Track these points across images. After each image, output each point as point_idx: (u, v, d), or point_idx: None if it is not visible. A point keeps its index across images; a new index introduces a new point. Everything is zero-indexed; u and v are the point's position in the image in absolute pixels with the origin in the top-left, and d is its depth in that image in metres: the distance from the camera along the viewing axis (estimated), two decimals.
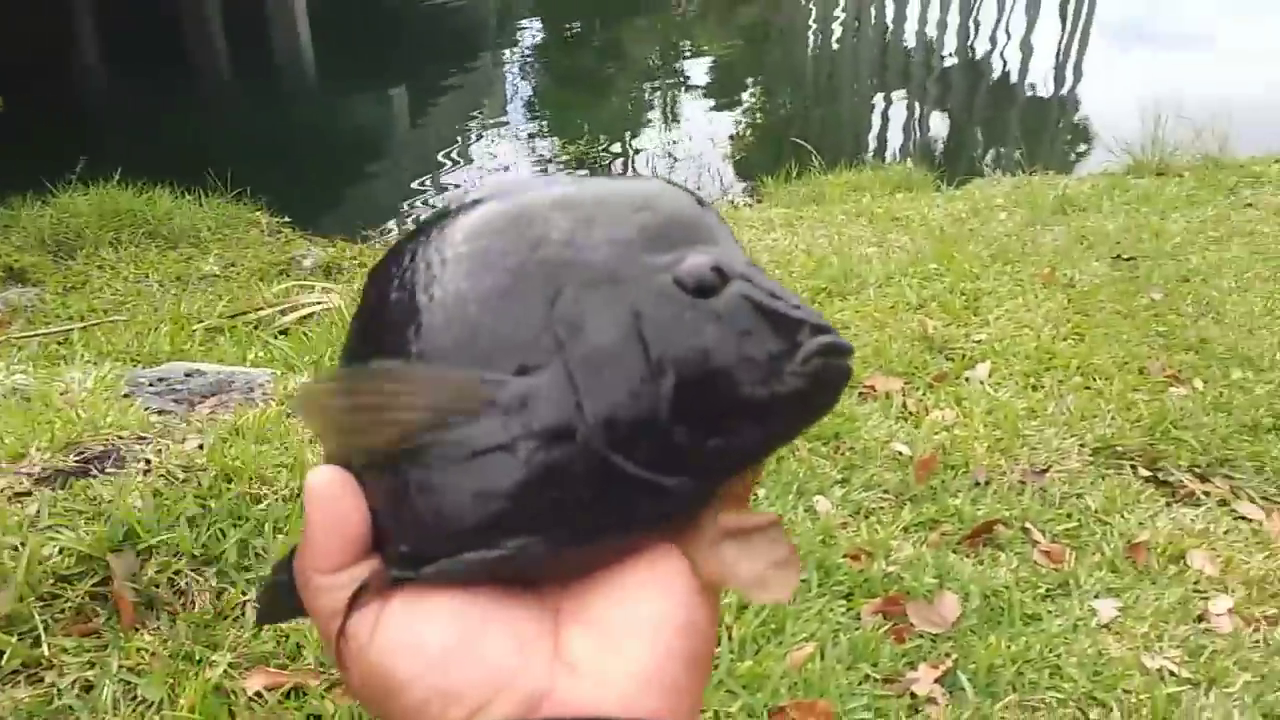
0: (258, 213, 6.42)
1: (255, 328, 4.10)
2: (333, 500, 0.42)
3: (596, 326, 0.42)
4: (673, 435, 0.41)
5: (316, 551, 0.42)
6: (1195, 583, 2.35)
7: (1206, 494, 2.67)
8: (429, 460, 0.41)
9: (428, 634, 0.39)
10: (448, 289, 0.44)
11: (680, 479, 0.42)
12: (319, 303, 4.39)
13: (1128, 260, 4.13)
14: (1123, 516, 2.53)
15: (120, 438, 2.16)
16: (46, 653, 1.69)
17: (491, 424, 0.41)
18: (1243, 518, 2.61)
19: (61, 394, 2.37)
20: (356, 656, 0.41)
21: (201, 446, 2.17)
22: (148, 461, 2.08)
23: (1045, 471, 2.68)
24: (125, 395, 2.47)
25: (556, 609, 0.42)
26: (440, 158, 9.30)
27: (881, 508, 2.48)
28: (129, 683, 1.69)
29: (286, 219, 6.48)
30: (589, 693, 0.38)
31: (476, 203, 0.47)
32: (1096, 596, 2.27)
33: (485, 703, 0.38)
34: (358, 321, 0.49)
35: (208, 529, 1.93)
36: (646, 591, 0.41)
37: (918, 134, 10.95)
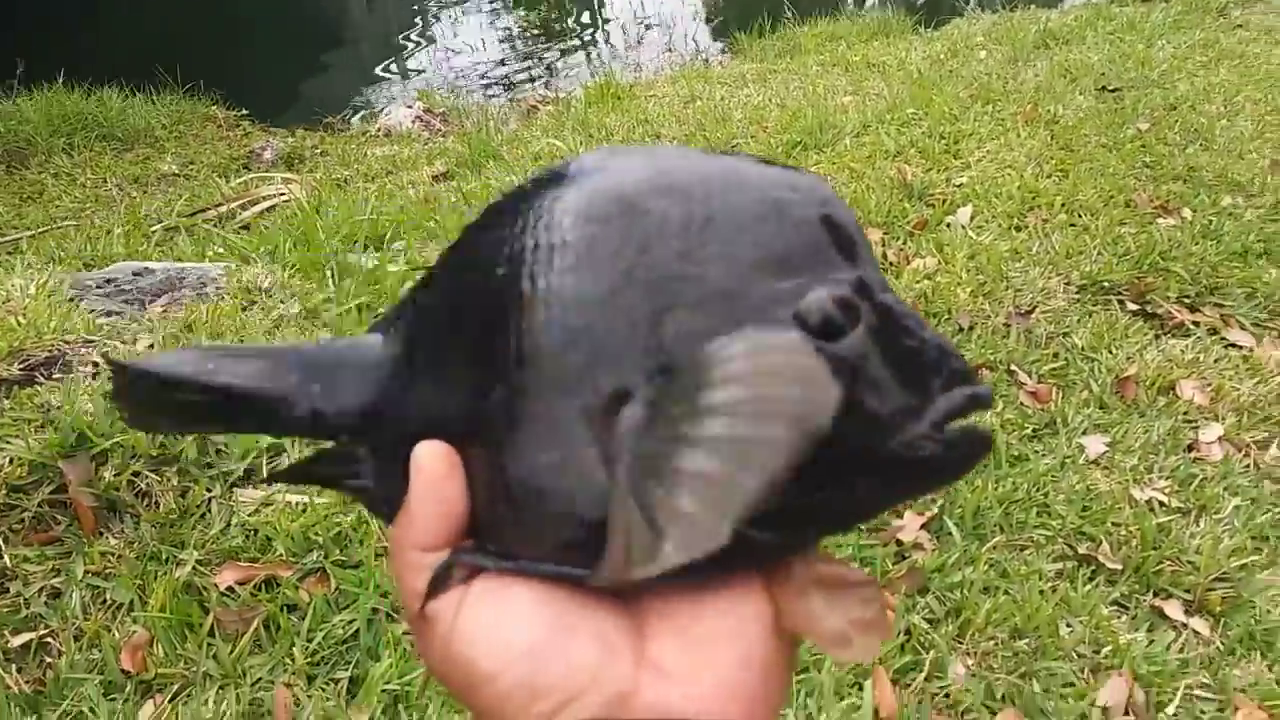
0: (213, 107, 6.19)
1: (217, 224, 3.97)
2: (440, 479, 0.42)
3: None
4: (783, 490, 0.36)
5: (416, 527, 0.42)
6: (1185, 413, 2.30)
7: (1196, 324, 2.60)
8: (528, 466, 0.40)
9: (514, 628, 0.40)
10: (551, 282, 0.41)
11: (773, 533, 0.39)
12: (280, 194, 4.24)
13: (1113, 92, 3.97)
14: (1110, 352, 2.47)
15: (66, 342, 2.07)
16: (8, 563, 1.64)
17: (588, 445, 0.39)
18: (1233, 345, 2.55)
19: (2, 303, 2.27)
20: (439, 639, 0.41)
21: (153, 346, 2.08)
22: (95, 365, 2.00)
23: (1030, 312, 2.61)
24: (71, 299, 2.37)
25: (638, 613, 0.41)
26: (401, 40, 8.93)
27: None
28: (97, 587, 1.66)
29: (244, 112, 6.25)
30: (676, 697, 0.39)
31: (590, 172, 0.43)
32: (1084, 433, 2.23)
33: (570, 700, 0.38)
34: (452, 273, 0.46)
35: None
36: (730, 606, 0.40)
37: None
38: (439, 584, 0.41)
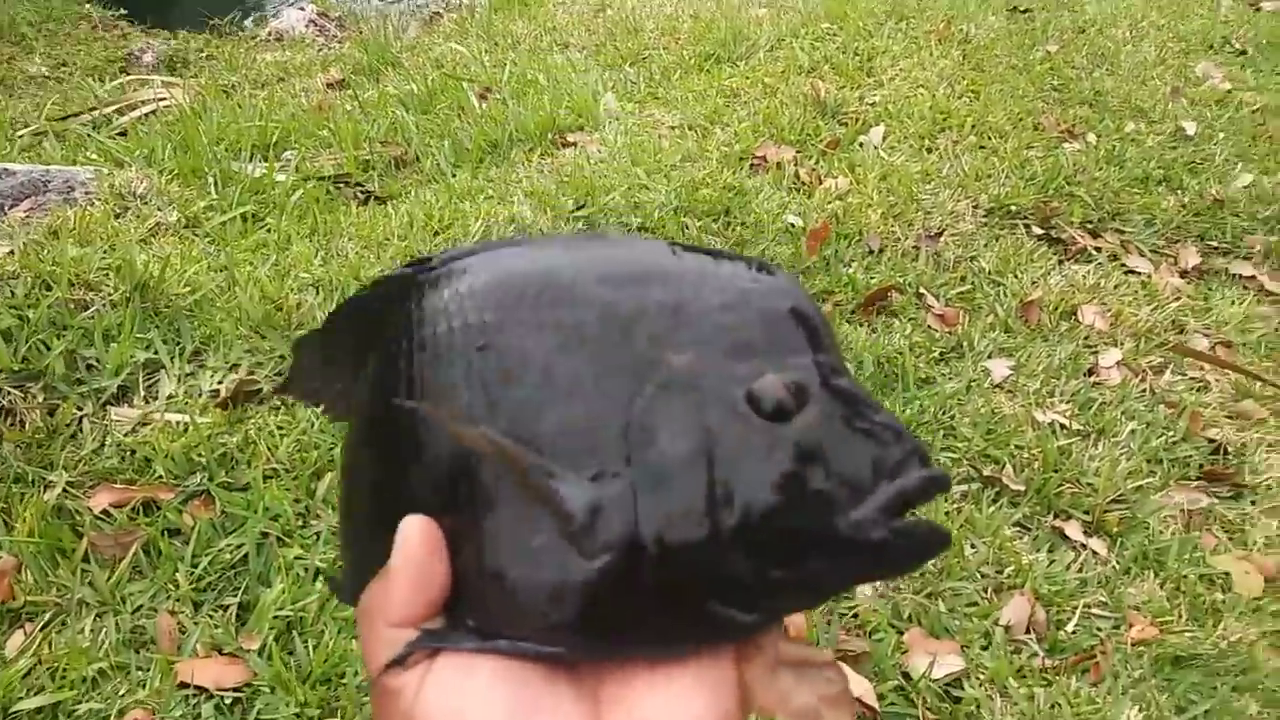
0: (88, 4, 5.75)
1: (93, 129, 3.68)
2: (424, 558, 0.42)
3: (667, 439, 0.40)
4: (732, 566, 0.39)
5: (394, 601, 0.42)
6: (1086, 338, 2.34)
7: (1098, 249, 2.64)
8: (509, 549, 0.41)
9: (474, 708, 0.40)
10: (537, 360, 0.43)
11: (737, 612, 0.40)
12: (160, 99, 3.95)
13: (1024, 12, 3.97)
14: (1015, 276, 2.49)
15: None
16: None
17: (559, 527, 0.40)
18: (1132, 271, 2.60)
19: None
20: (400, 714, 0.41)
21: (13, 253, 1.90)
22: None
23: (939, 235, 2.60)
24: None
25: (597, 693, 0.42)
26: None
27: None
28: None
29: (123, 12, 5.82)
30: None
31: (568, 246, 0.46)
32: (990, 357, 2.25)
33: None
34: (408, 349, 0.47)
35: (26, 341, 1.70)
36: (690, 691, 0.41)
37: None
38: (400, 662, 0.42)
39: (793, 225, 2.52)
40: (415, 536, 0.43)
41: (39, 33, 5.44)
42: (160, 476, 1.59)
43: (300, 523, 1.58)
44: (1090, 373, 2.24)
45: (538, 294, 0.44)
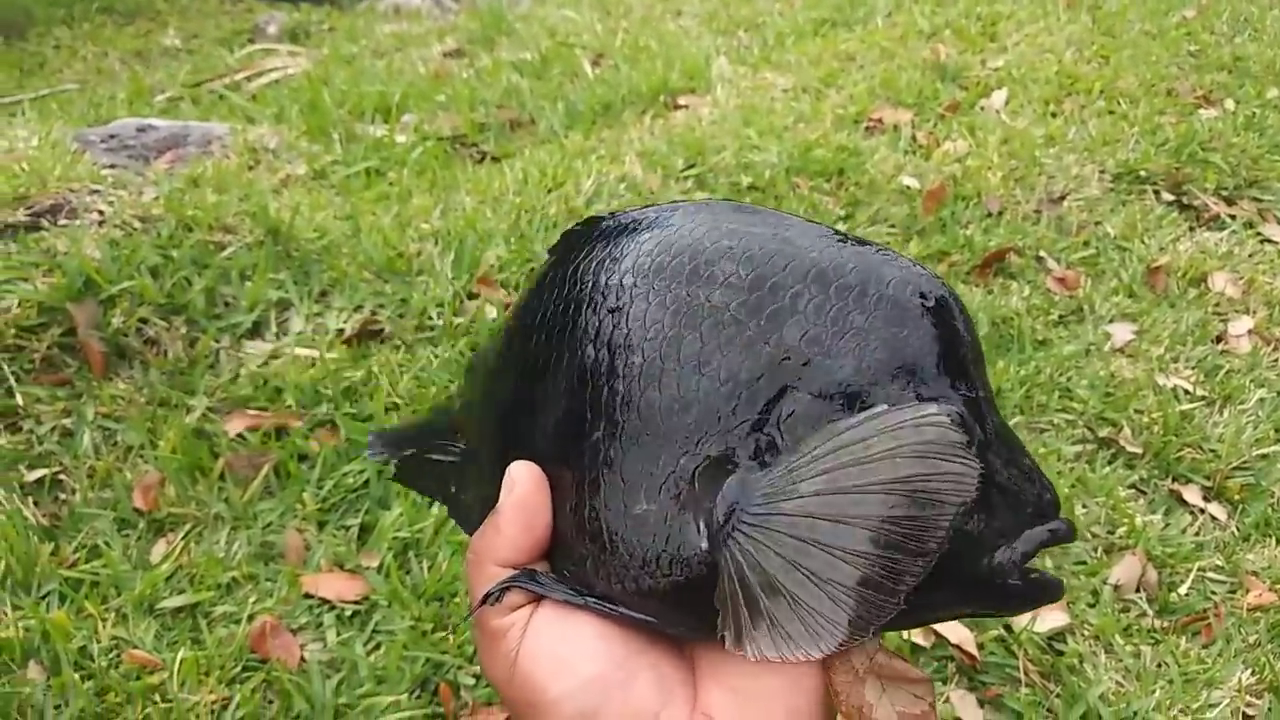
0: None
1: (220, 98, 3.85)
2: (529, 498, 0.44)
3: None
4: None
5: (501, 541, 0.44)
6: (1215, 305, 2.25)
7: (1232, 217, 2.53)
8: (617, 511, 0.42)
9: (579, 657, 0.41)
10: (673, 335, 0.42)
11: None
12: (285, 67, 4.11)
13: None
14: (1143, 242, 2.41)
15: (71, 190, 2.01)
16: (20, 402, 1.62)
17: (679, 504, 0.40)
18: (1268, 240, 2.48)
19: (5, 151, 2.20)
20: (504, 655, 0.42)
21: (158, 198, 2.02)
22: (101, 213, 1.94)
23: (1063, 199, 2.53)
24: (75, 152, 2.30)
25: (694, 658, 0.43)
26: None
27: (887, 242, 2.35)
28: (107, 429, 1.63)
29: None
30: None
31: (722, 234, 0.45)
32: (1111, 321, 2.18)
33: None
34: (556, 289, 0.48)
35: (171, 278, 1.81)
36: (783, 678, 0.41)
37: None
38: (494, 598, 0.43)
39: (908, 187, 2.48)
40: (524, 481, 0.44)
41: (172, 8, 5.71)
42: (290, 405, 1.68)
43: None
44: (1218, 340, 2.15)
45: (677, 267, 0.44)
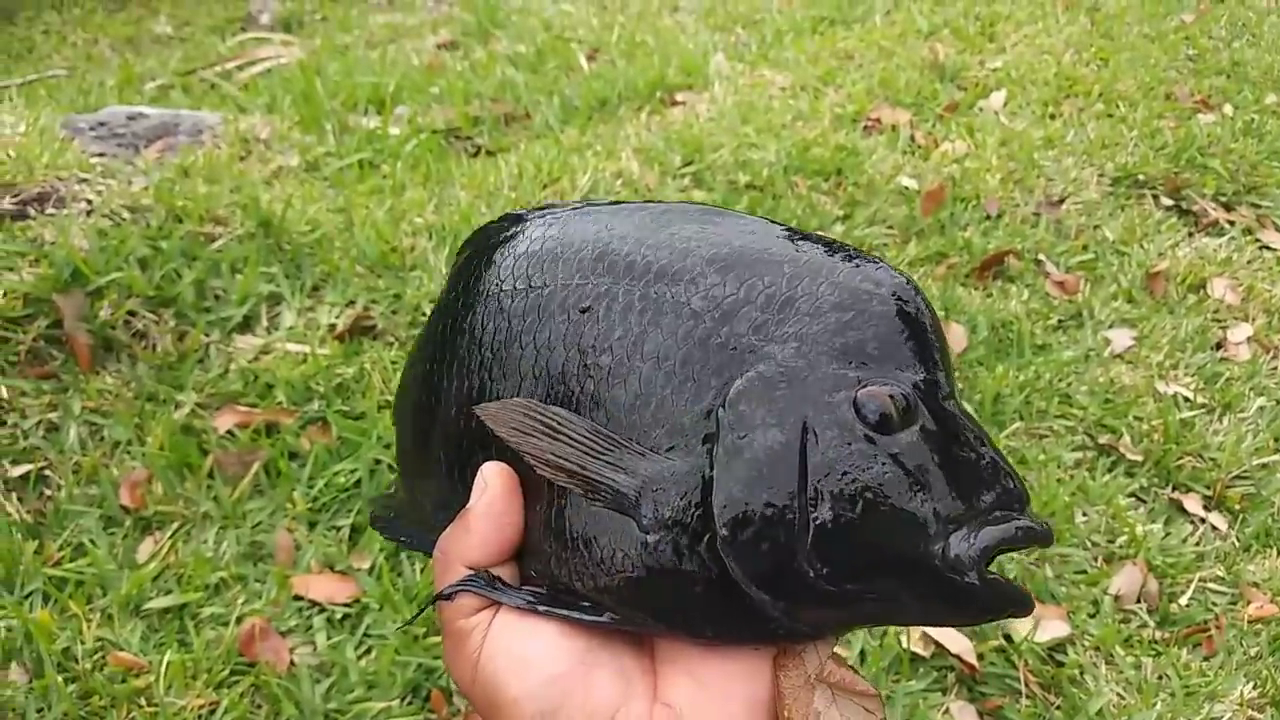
0: None
1: (212, 87, 3.81)
2: (501, 501, 0.44)
3: (761, 427, 0.39)
4: (805, 570, 0.38)
5: (472, 542, 0.44)
6: (1215, 311, 2.24)
7: (1231, 223, 2.52)
8: (583, 513, 0.42)
9: (540, 656, 0.42)
10: (632, 330, 0.42)
11: (799, 618, 0.39)
12: (278, 56, 4.07)
13: None
14: (1142, 246, 2.39)
15: (59, 178, 1.97)
16: (4, 395, 1.58)
17: (627, 496, 0.40)
18: (1267, 246, 2.47)
19: None
20: (468, 657, 0.43)
21: (148, 188, 1.98)
22: (89, 202, 1.90)
23: (1061, 202, 2.51)
24: (63, 140, 2.26)
25: (654, 647, 0.43)
26: None
27: (885, 244, 2.33)
28: (94, 424, 1.60)
29: None
30: None
31: (679, 220, 0.46)
32: (1111, 326, 2.17)
33: None
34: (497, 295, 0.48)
35: (160, 269, 1.78)
36: (743, 669, 0.41)
37: None
38: (447, 597, 0.43)
39: (906, 188, 2.47)
40: (497, 483, 0.44)
41: None
42: (280, 402, 1.64)
43: None
44: (1218, 347, 2.14)
45: (645, 266, 0.44)
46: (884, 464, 0.38)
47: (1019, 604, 0.39)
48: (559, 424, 0.41)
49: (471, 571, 0.44)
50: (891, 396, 0.39)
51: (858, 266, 0.43)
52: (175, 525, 1.45)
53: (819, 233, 0.49)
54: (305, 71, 3.27)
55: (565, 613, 0.42)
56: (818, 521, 0.37)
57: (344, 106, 2.93)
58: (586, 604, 0.42)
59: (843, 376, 0.39)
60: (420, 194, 2.28)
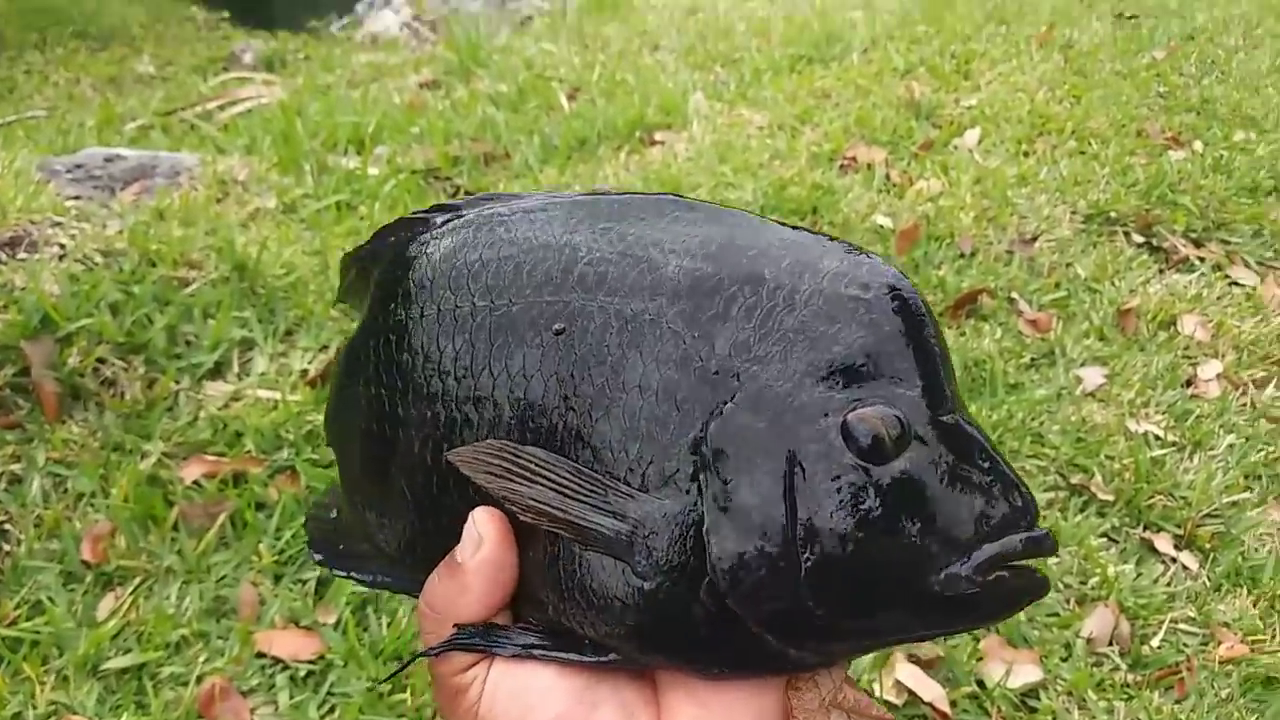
0: (193, 8, 5.99)
1: (192, 128, 3.82)
2: (497, 553, 0.41)
3: (746, 464, 0.37)
4: (804, 606, 0.37)
5: (469, 600, 0.42)
6: (1185, 348, 2.25)
7: (1201, 259, 2.54)
8: (560, 554, 0.40)
9: (540, 701, 0.40)
10: (609, 354, 0.39)
11: (803, 651, 0.38)
12: (260, 96, 4.08)
13: (1130, 18, 3.84)
14: (1113, 284, 2.41)
15: (33, 222, 1.97)
16: None
17: (619, 540, 0.38)
18: (1236, 283, 2.49)
19: None
20: (468, 712, 0.41)
21: (122, 231, 1.98)
22: (62, 246, 1.90)
23: (1034, 240, 2.53)
24: (39, 182, 2.26)
25: (655, 677, 0.42)
26: None
27: None
28: (58, 475, 1.59)
29: (224, 13, 6.05)
30: None
31: (654, 215, 0.43)
32: (1082, 364, 2.17)
33: None
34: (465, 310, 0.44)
35: (132, 315, 1.77)
36: (746, 694, 0.41)
37: None
38: (436, 653, 0.42)
39: (881, 226, 2.48)
40: (492, 534, 0.41)
41: (148, 34, 5.68)
42: (249, 450, 1.64)
43: None
44: (1188, 384, 2.15)
45: (619, 277, 0.40)
46: (877, 495, 0.36)
47: (1031, 592, 0.38)
48: (537, 466, 0.39)
49: (461, 629, 0.42)
50: (883, 419, 0.36)
51: (844, 267, 0.39)
52: (137, 580, 1.44)
53: (803, 227, 0.44)
54: (286, 111, 3.28)
55: (566, 656, 0.40)
56: (809, 563, 0.36)
57: (324, 146, 2.94)
58: (587, 644, 0.41)
59: (829, 399, 0.37)
60: None
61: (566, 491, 0.39)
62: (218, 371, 1.79)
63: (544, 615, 0.42)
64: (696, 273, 0.39)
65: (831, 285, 0.38)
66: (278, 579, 1.47)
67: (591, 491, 0.39)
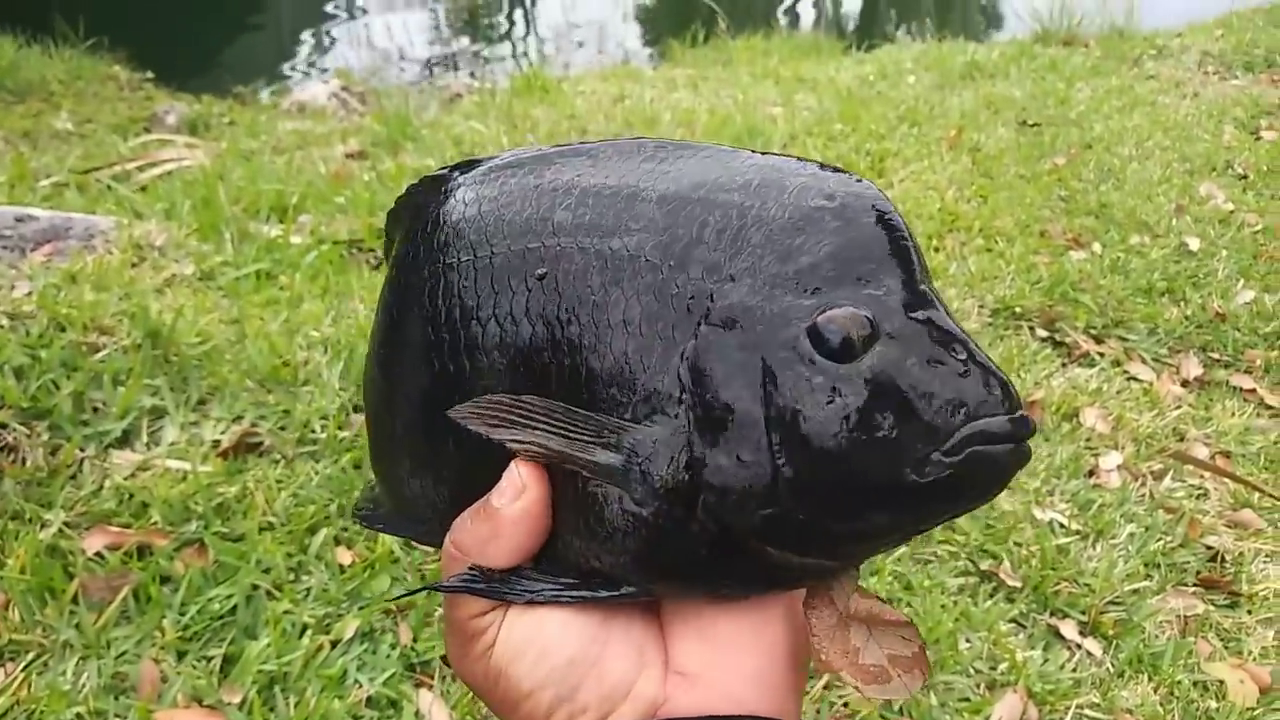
0: (115, 66, 5.90)
1: (109, 188, 3.74)
2: (537, 505, 0.42)
3: (722, 380, 0.38)
4: (794, 512, 0.37)
5: (502, 546, 0.42)
6: (1087, 440, 2.35)
7: (1101, 354, 2.67)
8: (568, 492, 0.41)
9: (551, 644, 0.41)
10: (594, 293, 0.40)
11: (803, 559, 0.39)
12: (181, 159, 4.03)
13: (1033, 126, 4.07)
14: (1019, 376, 2.51)
15: None
16: None
17: (617, 471, 0.39)
18: (1134, 378, 2.62)
19: None
20: (479, 657, 0.42)
21: (31, 294, 1.92)
22: None
23: None
24: None
25: (662, 612, 0.43)
26: (328, 9, 8.65)
27: None
28: None
29: (149, 75, 5.98)
30: (702, 697, 0.40)
31: (632, 157, 0.43)
32: None
33: (608, 712, 0.41)
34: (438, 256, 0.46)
35: (37, 380, 1.71)
36: (759, 623, 0.42)
37: (829, 7, 10.67)
38: (447, 589, 0.42)
39: None
40: (536, 488, 0.42)
41: (67, 90, 5.57)
42: (156, 522, 1.58)
43: (292, 577, 1.56)
44: (1091, 474, 2.24)
45: (597, 218, 0.41)
46: (849, 393, 0.36)
47: (1013, 463, 0.38)
48: (532, 412, 0.40)
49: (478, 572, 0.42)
50: (851, 319, 0.37)
51: (809, 181, 0.40)
52: (31, 656, 1.36)
53: (778, 152, 0.46)
54: (208, 176, 3.25)
55: (579, 594, 0.41)
56: (788, 467, 0.36)
57: (246, 213, 2.91)
58: (599, 580, 0.41)
59: (798, 306, 0.37)
60: (318, 306, 2.26)
61: (564, 432, 0.40)
62: (125, 440, 1.74)
63: (556, 554, 0.43)
64: (670, 205, 0.41)
65: (797, 199, 0.39)
66: (181, 655, 1.41)
67: (586, 428, 0.39)
